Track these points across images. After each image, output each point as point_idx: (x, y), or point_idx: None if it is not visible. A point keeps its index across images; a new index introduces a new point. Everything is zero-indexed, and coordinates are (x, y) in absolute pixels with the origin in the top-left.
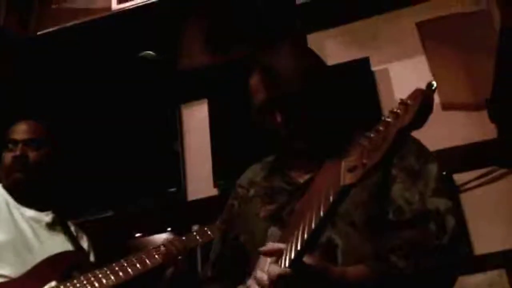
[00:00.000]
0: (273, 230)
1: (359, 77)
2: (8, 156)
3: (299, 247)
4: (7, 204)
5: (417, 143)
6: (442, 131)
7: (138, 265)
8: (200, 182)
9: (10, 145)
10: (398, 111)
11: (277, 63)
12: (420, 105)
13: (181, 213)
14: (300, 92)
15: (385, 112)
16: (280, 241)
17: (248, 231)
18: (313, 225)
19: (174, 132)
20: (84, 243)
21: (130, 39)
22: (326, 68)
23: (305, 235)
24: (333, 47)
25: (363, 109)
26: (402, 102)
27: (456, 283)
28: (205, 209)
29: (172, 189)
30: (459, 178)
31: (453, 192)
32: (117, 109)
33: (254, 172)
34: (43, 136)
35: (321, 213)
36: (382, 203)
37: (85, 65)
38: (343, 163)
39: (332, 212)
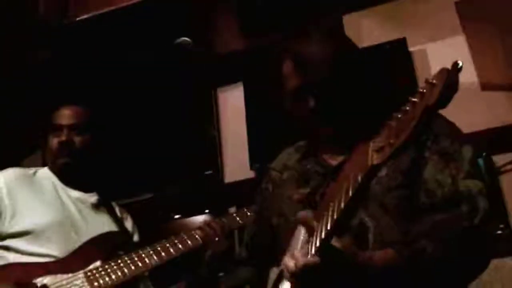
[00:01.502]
0: (307, 212)
1: (396, 58)
2: (54, 141)
3: (328, 228)
4: (54, 186)
5: (451, 126)
6: (481, 112)
7: (179, 245)
8: (236, 164)
9: (55, 130)
10: (424, 90)
11: (308, 50)
12: (445, 84)
13: (218, 195)
14: (332, 77)
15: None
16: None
17: (280, 214)
18: (342, 206)
19: (211, 115)
20: (128, 224)
21: (166, 24)
22: (358, 52)
23: (334, 216)
24: (369, 28)
25: (400, 90)
26: (428, 82)
27: (491, 266)
28: (241, 192)
29: (209, 172)
30: (498, 159)
31: (492, 173)
32: (154, 93)
33: (287, 156)
34: (87, 121)
35: (350, 193)
36: (413, 186)
37: (122, 50)
38: (371, 144)
39: (361, 193)
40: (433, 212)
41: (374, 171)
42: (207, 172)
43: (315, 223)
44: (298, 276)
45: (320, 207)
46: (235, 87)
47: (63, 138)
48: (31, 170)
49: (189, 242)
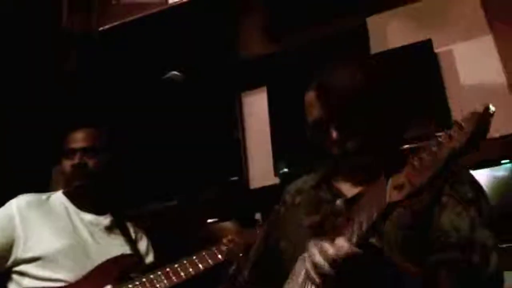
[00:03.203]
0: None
1: (422, 60)
2: (67, 165)
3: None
4: (67, 211)
5: (470, 173)
6: (509, 115)
7: (199, 265)
8: (261, 170)
9: (68, 154)
10: (452, 133)
11: (334, 81)
12: (475, 129)
13: (243, 201)
14: (356, 110)
15: (451, 94)
16: None
17: (288, 239)
18: (354, 240)
19: (235, 120)
20: (143, 245)
21: (191, 30)
22: (384, 85)
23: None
24: (393, 30)
25: (427, 93)
26: (457, 124)
27: None
28: (267, 198)
29: (234, 178)
30: None
31: None
32: (177, 100)
33: (303, 181)
34: (101, 142)
35: (364, 227)
36: (424, 230)
37: (145, 58)
38: (390, 180)
39: (374, 228)
40: (445, 251)
41: (391, 208)
42: (232, 178)
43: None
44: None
45: (329, 238)
46: (259, 92)
47: (76, 161)
48: (44, 196)
49: (209, 260)
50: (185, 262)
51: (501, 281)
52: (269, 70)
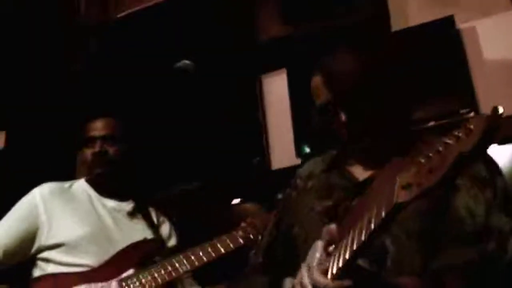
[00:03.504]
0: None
1: (444, 37)
2: (88, 153)
3: (347, 257)
4: (89, 198)
5: (486, 151)
6: None
7: (221, 248)
8: (283, 151)
9: (89, 142)
10: (460, 134)
11: (339, 63)
12: (483, 132)
13: (265, 182)
14: (364, 91)
15: (474, 72)
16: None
17: (301, 225)
18: (362, 237)
19: (256, 102)
20: (166, 228)
21: (209, 13)
22: (392, 63)
23: (354, 246)
24: (414, 7)
25: (450, 71)
26: (465, 126)
27: None
28: (288, 178)
29: (256, 159)
30: None
31: None
32: (199, 83)
33: (314, 164)
34: (120, 131)
35: (372, 227)
36: (441, 213)
37: (163, 44)
38: (398, 179)
39: (383, 227)
40: (460, 244)
41: (398, 209)
42: (254, 160)
43: (337, 237)
44: None
45: (344, 223)
46: (279, 74)
47: (97, 149)
48: (67, 184)
49: (231, 244)
50: (206, 245)
51: None
52: (289, 52)
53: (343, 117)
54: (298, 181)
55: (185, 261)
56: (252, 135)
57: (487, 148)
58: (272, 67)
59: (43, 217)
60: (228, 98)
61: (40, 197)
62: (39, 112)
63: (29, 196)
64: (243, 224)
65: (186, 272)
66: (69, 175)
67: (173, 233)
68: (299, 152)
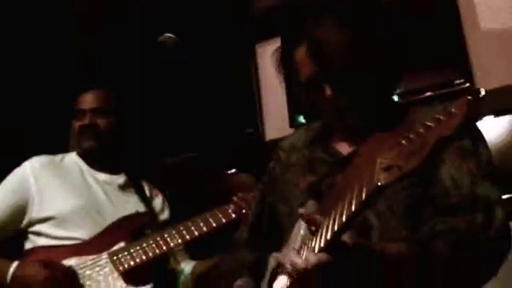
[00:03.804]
0: (311, 204)
1: (441, 6)
2: (77, 125)
3: (328, 237)
4: (81, 170)
5: (469, 124)
6: None
7: (212, 223)
8: (277, 122)
9: (79, 115)
10: (441, 117)
11: (324, 35)
12: (464, 116)
13: (259, 152)
14: (350, 65)
15: (470, 45)
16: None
17: (285, 201)
18: (343, 219)
19: (250, 72)
20: (158, 201)
21: None
22: (379, 35)
23: (335, 227)
24: None
25: (446, 40)
26: (446, 109)
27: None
28: None
29: (250, 130)
30: None
31: None
32: (193, 51)
33: (297, 136)
34: (110, 103)
35: (352, 208)
36: (426, 186)
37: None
38: (378, 159)
39: (363, 207)
40: (446, 215)
41: (379, 190)
42: (248, 130)
43: (319, 218)
44: (306, 275)
45: (327, 199)
46: (274, 43)
47: (86, 121)
48: (58, 157)
49: (222, 218)
50: (198, 219)
51: (508, 235)
52: (283, 20)
53: (328, 91)
54: (281, 153)
55: (176, 235)
56: (246, 105)
57: (470, 130)
58: (266, 36)
59: (33, 190)
60: (222, 68)
61: (30, 170)
62: (33, 79)
63: (20, 169)
64: (235, 198)
65: (177, 245)
66: (63, 148)
67: (166, 206)
68: (293, 123)
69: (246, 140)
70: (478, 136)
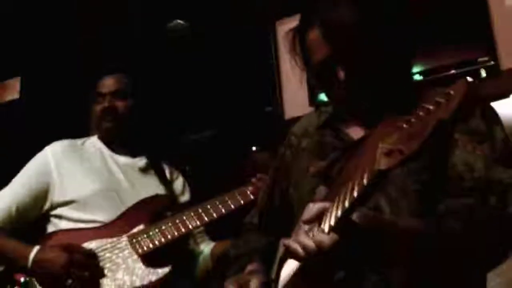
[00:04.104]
0: (321, 189)
1: None
2: (97, 109)
3: (332, 223)
4: (102, 154)
5: (483, 103)
6: None
7: (231, 204)
8: (296, 101)
9: (98, 99)
10: (441, 100)
11: (337, 17)
12: (463, 98)
13: (278, 131)
14: (363, 47)
15: (495, 22)
16: (324, 201)
17: (296, 186)
18: (346, 204)
19: (270, 51)
20: (179, 184)
21: None
22: (393, 17)
23: (339, 213)
24: None
25: (470, 20)
26: (445, 92)
27: None
28: None
29: (269, 108)
30: None
31: None
32: (213, 30)
33: (309, 120)
34: (129, 87)
35: (355, 194)
36: (438, 169)
37: None
38: (380, 145)
39: (366, 193)
40: (459, 197)
41: (380, 176)
42: (267, 109)
43: (327, 205)
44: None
45: (335, 186)
46: (294, 20)
47: (106, 104)
48: (79, 141)
49: (241, 200)
50: (216, 201)
51: None
52: None
53: (341, 74)
54: (292, 138)
55: (195, 217)
56: (266, 83)
57: (469, 113)
58: (287, 13)
59: (55, 174)
60: (242, 46)
61: (52, 155)
62: (56, 64)
63: (41, 154)
64: (253, 180)
65: (196, 227)
66: (85, 131)
67: (186, 188)
68: (312, 101)
69: (265, 118)
70: (493, 118)
